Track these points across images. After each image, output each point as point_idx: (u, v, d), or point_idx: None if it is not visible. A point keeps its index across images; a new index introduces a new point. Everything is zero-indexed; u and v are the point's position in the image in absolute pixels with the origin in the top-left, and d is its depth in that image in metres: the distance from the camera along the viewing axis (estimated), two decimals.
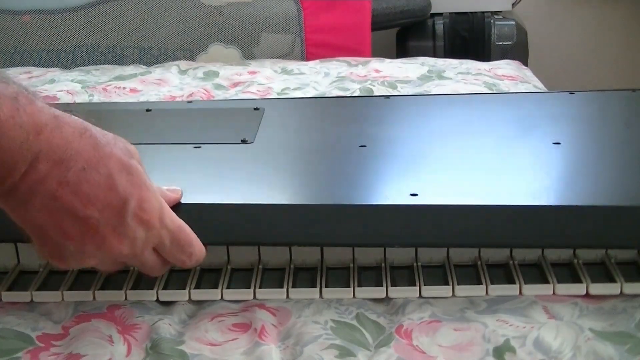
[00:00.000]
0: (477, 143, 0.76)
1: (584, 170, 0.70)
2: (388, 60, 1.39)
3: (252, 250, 0.66)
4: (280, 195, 0.66)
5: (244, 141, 0.76)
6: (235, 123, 0.83)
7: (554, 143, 0.74)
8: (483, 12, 2.02)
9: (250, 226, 0.62)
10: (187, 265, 0.60)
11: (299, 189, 0.67)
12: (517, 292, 0.62)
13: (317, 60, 1.43)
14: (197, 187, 0.66)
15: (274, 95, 1.18)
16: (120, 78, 1.32)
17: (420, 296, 0.62)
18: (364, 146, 0.74)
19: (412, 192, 0.63)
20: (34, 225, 0.52)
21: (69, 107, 1.02)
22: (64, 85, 1.27)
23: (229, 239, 0.63)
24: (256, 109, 0.87)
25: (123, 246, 0.54)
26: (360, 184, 0.67)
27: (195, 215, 0.60)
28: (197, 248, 0.59)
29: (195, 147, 0.75)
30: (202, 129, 0.83)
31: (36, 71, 1.42)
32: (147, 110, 0.89)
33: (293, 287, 0.63)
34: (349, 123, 0.84)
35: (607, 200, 0.63)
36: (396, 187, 0.67)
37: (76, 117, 0.53)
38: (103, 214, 0.52)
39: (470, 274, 0.64)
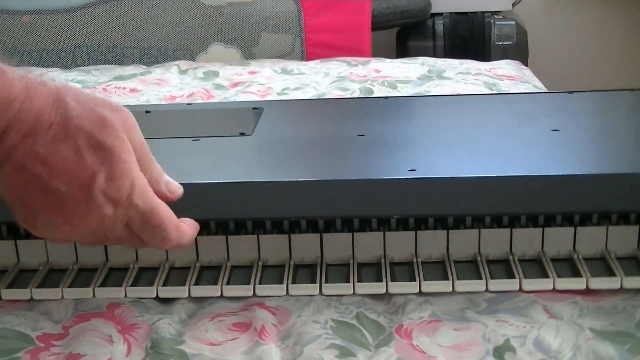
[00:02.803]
0: (476, 130, 0.77)
1: (581, 149, 0.71)
2: (388, 60, 1.39)
3: (251, 247, 0.66)
4: (280, 174, 0.66)
5: (242, 134, 0.77)
6: (234, 119, 0.84)
7: (553, 130, 0.74)
8: (483, 12, 2.02)
9: (253, 203, 0.62)
10: (162, 249, 0.58)
11: (300, 169, 0.67)
12: (517, 287, 0.62)
13: (317, 60, 1.43)
14: (197, 171, 0.66)
15: (274, 95, 1.18)
16: (120, 78, 1.32)
17: (420, 292, 0.62)
18: (362, 135, 0.75)
19: (410, 168, 0.64)
20: (7, 192, 0.52)
21: None
22: None
23: (234, 216, 0.64)
24: (255, 108, 0.88)
25: (90, 221, 0.53)
26: (360, 163, 0.68)
27: (196, 194, 0.60)
28: (172, 233, 0.56)
29: (194, 140, 0.75)
30: (200, 125, 0.84)
31: (36, 71, 1.42)
32: (147, 112, 0.89)
33: (293, 283, 0.63)
34: (348, 119, 0.85)
35: (601, 169, 0.64)
36: (395, 165, 0.68)
37: (52, 86, 0.52)
38: (70, 187, 0.52)
39: (470, 269, 0.64)
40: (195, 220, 0.59)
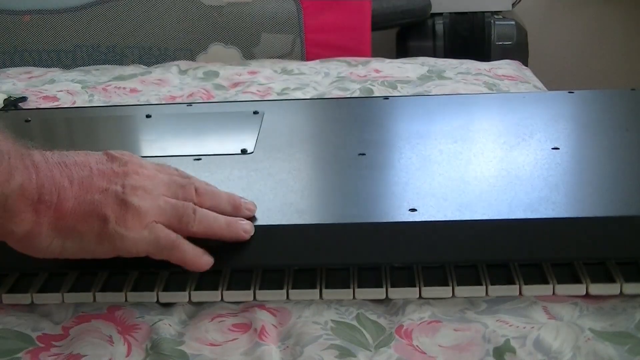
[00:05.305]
0: (476, 150, 0.77)
1: (583, 177, 0.71)
2: (388, 60, 1.39)
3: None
4: (277, 215, 0.65)
5: (243, 151, 0.77)
6: (235, 130, 0.84)
7: (553, 148, 0.75)
8: (483, 12, 2.02)
9: (244, 249, 0.62)
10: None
11: (295, 207, 0.67)
12: (517, 293, 0.62)
13: (317, 60, 1.43)
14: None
15: (274, 96, 1.18)
16: (120, 78, 1.32)
17: (420, 297, 0.62)
18: (363, 154, 0.75)
19: (411, 207, 0.64)
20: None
21: (70, 113, 1.03)
22: (64, 85, 1.27)
23: (221, 264, 0.64)
24: (255, 112, 0.88)
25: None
26: (358, 199, 0.67)
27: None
28: (192, 265, 0.61)
29: (196, 160, 0.75)
30: (202, 138, 0.84)
31: (36, 71, 1.42)
32: (147, 116, 0.89)
33: (293, 288, 0.63)
34: (348, 127, 0.84)
35: (608, 210, 0.63)
36: (395, 202, 0.68)
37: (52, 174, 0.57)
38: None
39: (470, 274, 0.64)
40: None
